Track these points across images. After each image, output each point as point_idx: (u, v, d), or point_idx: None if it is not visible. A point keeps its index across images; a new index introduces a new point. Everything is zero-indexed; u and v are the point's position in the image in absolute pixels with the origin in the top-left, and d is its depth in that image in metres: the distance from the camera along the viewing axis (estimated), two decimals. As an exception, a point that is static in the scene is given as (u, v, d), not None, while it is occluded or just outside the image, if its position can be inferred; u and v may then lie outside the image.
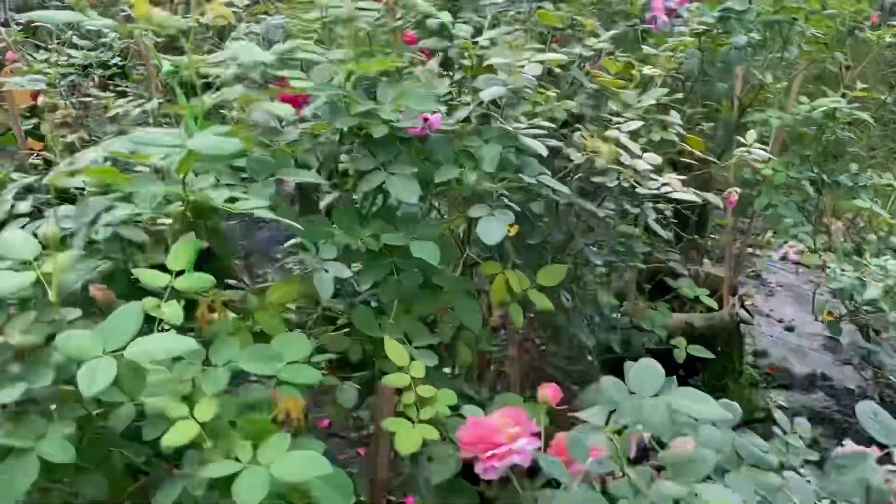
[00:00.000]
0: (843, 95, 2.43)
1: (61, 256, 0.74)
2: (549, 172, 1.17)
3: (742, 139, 1.66)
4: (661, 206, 1.68)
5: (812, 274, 3.85)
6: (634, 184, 1.14)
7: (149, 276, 0.80)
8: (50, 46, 2.83)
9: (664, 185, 1.11)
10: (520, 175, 1.10)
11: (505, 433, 0.91)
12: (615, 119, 1.26)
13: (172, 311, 0.77)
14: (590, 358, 1.93)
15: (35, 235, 0.80)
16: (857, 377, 3.01)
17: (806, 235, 1.85)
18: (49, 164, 2.02)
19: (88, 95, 2.90)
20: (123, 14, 3.00)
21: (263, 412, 0.80)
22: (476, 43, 1.15)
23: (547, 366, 1.84)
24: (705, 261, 3.03)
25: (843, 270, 1.60)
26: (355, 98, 1.05)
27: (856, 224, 2.14)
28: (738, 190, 1.66)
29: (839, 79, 2.63)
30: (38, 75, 2.34)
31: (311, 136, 1.06)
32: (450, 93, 1.37)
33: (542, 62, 1.07)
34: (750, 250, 3.70)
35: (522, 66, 1.07)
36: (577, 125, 1.36)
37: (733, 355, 2.72)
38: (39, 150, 1.95)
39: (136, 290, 1.18)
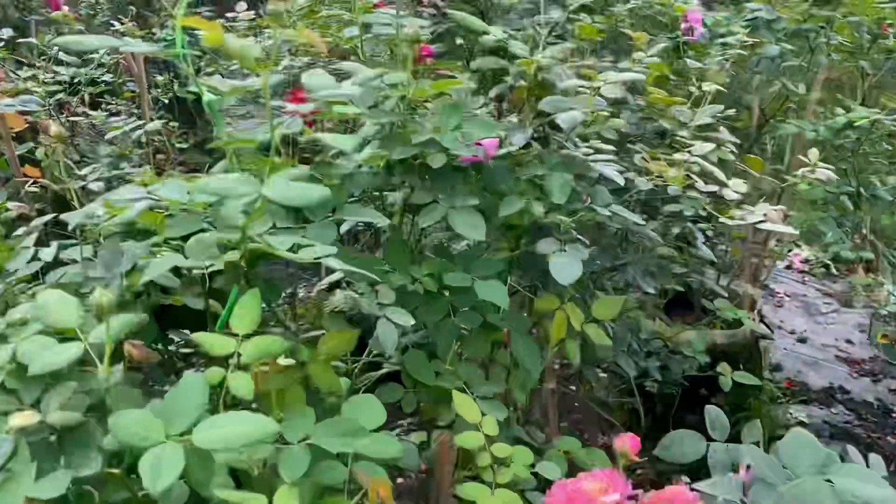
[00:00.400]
0: (863, 103, 2.38)
1: (115, 324, 0.63)
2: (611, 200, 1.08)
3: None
4: (701, 224, 1.61)
5: (818, 283, 3.80)
6: (713, 213, 1.05)
7: (212, 343, 0.69)
8: (38, 64, 2.70)
9: (754, 214, 1.02)
10: (591, 206, 1.01)
11: (601, 502, 0.81)
12: (677, 138, 1.17)
13: (243, 383, 0.66)
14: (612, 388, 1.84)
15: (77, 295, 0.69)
16: (875, 389, 2.96)
17: (849, 253, 1.78)
18: (45, 189, 1.89)
19: (77, 114, 2.76)
20: (112, 29, 2.88)
21: (341, 493, 0.70)
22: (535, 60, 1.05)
23: (581, 396, 1.75)
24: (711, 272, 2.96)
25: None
26: (412, 125, 0.95)
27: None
28: (785, 208, 1.58)
29: (859, 87, 2.58)
30: (30, 95, 2.22)
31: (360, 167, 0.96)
32: (490, 113, 1.27)
33: (618, 83, 0.98)
34: (755, 260, 3.65)
35: (598, 88, 0.98)
36: (631, 146, 1.28)
37: (754, 371, 2.64)
38: (37, 178, 1.83)
39: (165, 339, 1.08)
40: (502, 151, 1.05)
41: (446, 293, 1.03)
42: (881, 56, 2.35)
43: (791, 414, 2.77)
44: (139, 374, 0.91)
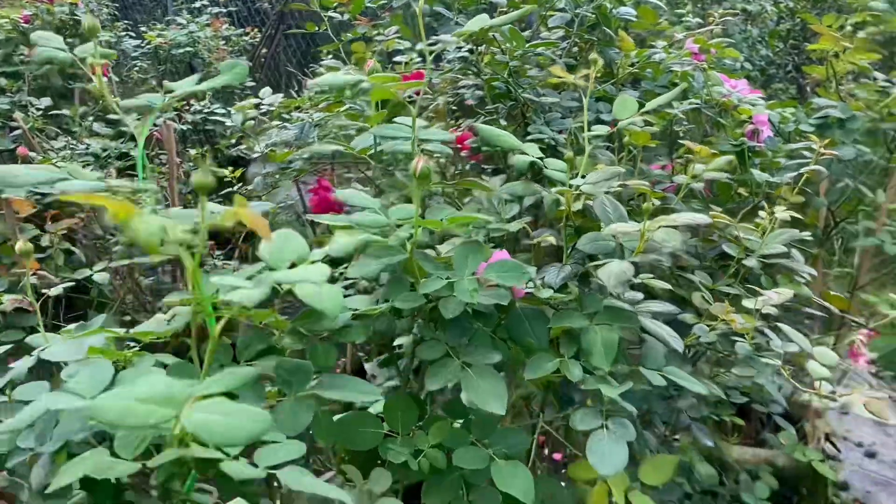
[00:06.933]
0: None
1: None
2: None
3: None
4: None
5: (888, 387, 3.48)
6: (795, 385, 0.85)
7: None
8: (76, 129, 2.66)
9: (849, 399, 0.82)
10: (640, 368, 0.82)
11: None
12: (742, 267, 0.98)
13: None
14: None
15: None
16: (958, 519, 2.63)
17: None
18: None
19: (105, 188, 2.69)
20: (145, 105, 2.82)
21: None
22: (575, 187, 0.88)
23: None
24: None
25: None
26: (422, 268, 0.78)
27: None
28: (865, 339, 1.37)
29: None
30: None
31: (361, 316, 0.79)
32: (523, 228, 1.10)
33: (677, 227, 0.80)
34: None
35: (652, 231, 0.80)
36: (683, 275, 1.09)
37: (818, 497, 2.36)
38: (36, 269, 1.71)
39: None
40: (532, 288, 0.87)
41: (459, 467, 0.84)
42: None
43: (861, 545, 2.46)
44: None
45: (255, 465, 0.56)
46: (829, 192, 1.91)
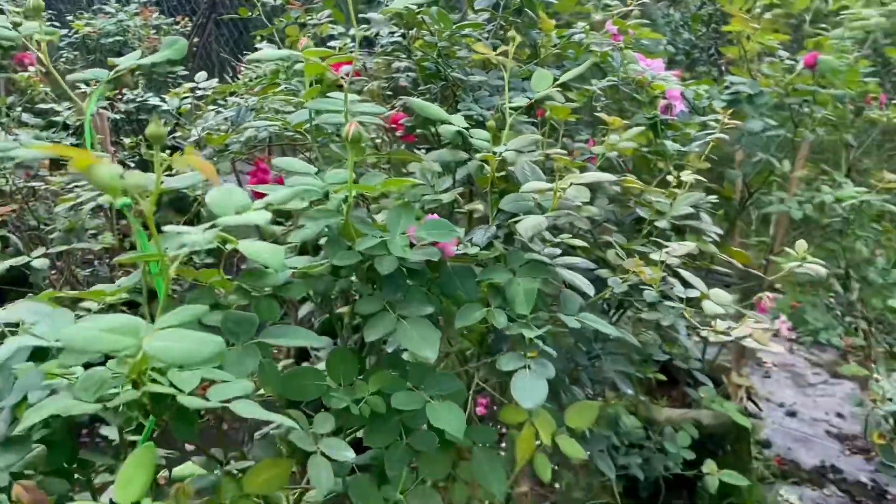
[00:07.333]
0: (848, 175, 2.32)
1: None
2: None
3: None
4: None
5: (806, 352, 3.70)
6: (694, 324, 0.95)
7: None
8: (3, 119, 2.62)
9: (738, 329, 0.92)
10: (559, 315, 0.90)
11: None
12: (655, 228, 1.08)
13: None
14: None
15: None
16: (869, 468, 2.83)
17: (838, 339, 1.68)
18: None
19: (36, 177, 2.66)
20: (80, 91, 2.80)
21: None
22: (498, 153, 0.96)
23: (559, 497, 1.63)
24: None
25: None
26: (358, 229, 0.85)
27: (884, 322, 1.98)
28: (771, 295, 1.49)
29: (843, 159, 2.52)
30: (-22, 164, 2.11)
31: (302, 276, 0.85)
32: (455, 200, 1.18)
33: (587, 185, 0.88)
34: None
35: (563, 189, 0.88)
36: (605, 238, 1.18)
37: (742, 453, 2.52)
38: (-28, 256, 1.71)
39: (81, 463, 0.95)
40: (462, 250, 0.95)
41: (400, 414, 0.91)
42: (866, 126, 2.31)
43: (782, 495, 2.64)
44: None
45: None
46: (743, 164, 2.05)
